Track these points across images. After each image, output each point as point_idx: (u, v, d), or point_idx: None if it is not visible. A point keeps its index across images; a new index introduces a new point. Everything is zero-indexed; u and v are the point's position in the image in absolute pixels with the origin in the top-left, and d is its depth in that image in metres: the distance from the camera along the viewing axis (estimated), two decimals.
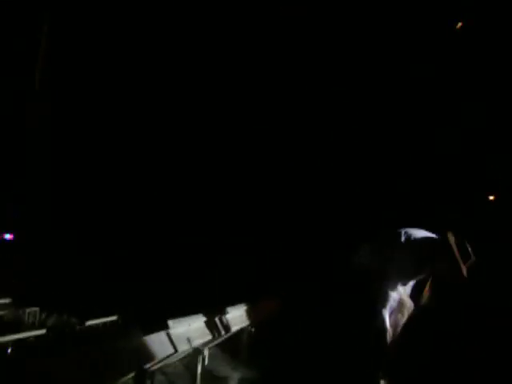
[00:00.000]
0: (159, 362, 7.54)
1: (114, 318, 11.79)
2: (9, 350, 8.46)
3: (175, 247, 21.93)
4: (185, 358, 8.60)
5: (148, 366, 7.16)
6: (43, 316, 12.16)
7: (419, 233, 7.44)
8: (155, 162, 25.25)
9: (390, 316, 7.51)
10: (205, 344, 8.77)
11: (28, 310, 12.17)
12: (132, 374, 6.91)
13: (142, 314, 10.66)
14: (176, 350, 7.67)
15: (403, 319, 7.62)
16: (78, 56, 24.16)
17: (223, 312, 10.17)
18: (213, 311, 9.73)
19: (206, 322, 9.06)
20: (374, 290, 7.92)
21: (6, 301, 12.75)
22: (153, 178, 24.83)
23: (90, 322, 10.78)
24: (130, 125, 24.86)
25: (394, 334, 7.62)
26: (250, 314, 11.67)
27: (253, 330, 11.76)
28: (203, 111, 25.56)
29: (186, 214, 24.39)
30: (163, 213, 24.27)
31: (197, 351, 8.41)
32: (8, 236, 23.27)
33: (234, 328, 10.48)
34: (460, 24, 23.30)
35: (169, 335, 7.67)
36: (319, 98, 25.10)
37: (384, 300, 7.46)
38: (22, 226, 21.69)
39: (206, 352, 8.84)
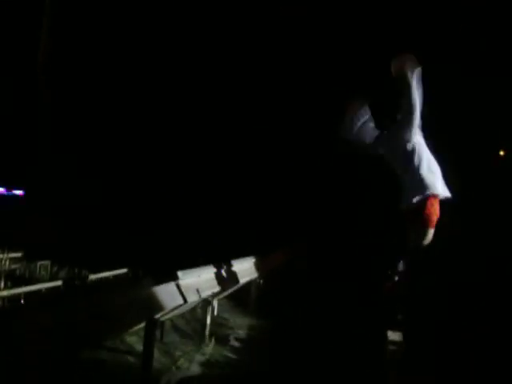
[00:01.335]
0: (169, 312, 7.65)
1: (124, 270, 11.93)
2: (22, 302, 8.61)
3: (186, 197, 22.11)
4: (194, 308, 8.73)
5: (158, 315, 7.27)
6: (54, 269, 12.32)
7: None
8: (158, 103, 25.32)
9: None
10: (214, 295, 8.87)
11: (40, 263, 12.33)
12: (143, 324, 7.03)
13: (151, 266, 10.79)
14: (185, 301, 7.75)
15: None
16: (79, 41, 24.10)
17: (232, 264, 10.25)
18: (222, 263, 9.80)
19: (215, 274, 9.13)
20: None
21: (18, 254, 12.91)
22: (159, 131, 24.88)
23: (100, 275, 10.92)
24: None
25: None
26: (258, 266, 11.77)
27: (261, 281, 11.91)
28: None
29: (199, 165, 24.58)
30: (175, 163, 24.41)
31: (206, 302, 8.53)
32: (19, 192, 23.45)
33: (243, 280, 10.58)
34: None
35: (178, 286, 7.73)
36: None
37: None
38: (35, 182, 21.82)
39: (215, 303, 8.97)
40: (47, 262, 12.42)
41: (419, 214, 7.12)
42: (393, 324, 8.73)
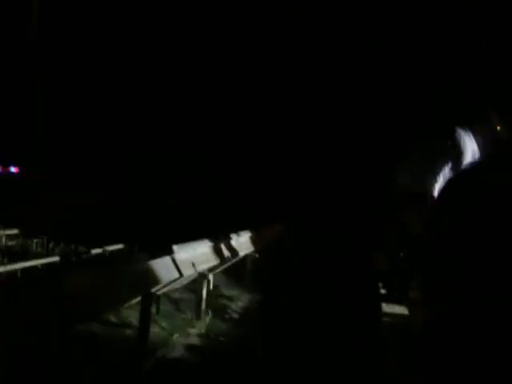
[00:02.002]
0: (165, 286, 7.67)
1: (120, 245, 11.93)
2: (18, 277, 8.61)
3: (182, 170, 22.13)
4: (190, 282, 8.75)
5: (154, 289, 7.29)
6: (51, 245, 12.33)
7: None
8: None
9: None
10: (210, 269, 8.89)
11: (36, 240, 12.34)
12: (139, 298, 7.05)
13: (147, 240, 10.80)
14: (181, 275, 7.77)
15: None
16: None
17: (228, 238, 10.28)
18: (218, 237, 9.82)
19: (210, 248, 9.16)
20: None
21: (15, 231, 12.91)
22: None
23: (96, 250, 10.92)
24: None
25: None
26: (254, 240, 11.80)
27: (257, 255, 11.94)
28: None
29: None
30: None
31: (202, 276, 8.55)
32: (13, 169, 23.40)
33: (239, 254, 10.62)
34: None
35: (174, 260, 7.75)
36: None
37: None
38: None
39: (211, 277, 8.99)
40: (43, 239, 12.42)
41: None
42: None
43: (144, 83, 25.31)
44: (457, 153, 7.07)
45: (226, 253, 9.99)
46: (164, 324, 7.84)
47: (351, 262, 12.73)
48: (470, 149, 7.11)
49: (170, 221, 14.91)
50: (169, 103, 25.55)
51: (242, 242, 11.23)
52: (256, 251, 11.87)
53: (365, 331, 8.14)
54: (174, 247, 7.91)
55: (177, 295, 9.07)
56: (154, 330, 7.28)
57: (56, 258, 9.98)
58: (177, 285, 8.36)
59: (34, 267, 9.21)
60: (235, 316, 8.89)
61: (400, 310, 8.22)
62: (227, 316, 8.81)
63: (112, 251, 11.41)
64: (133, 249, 11.45)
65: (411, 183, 7.17)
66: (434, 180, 7.08)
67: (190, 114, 25.63)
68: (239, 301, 9.93)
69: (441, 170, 7.18)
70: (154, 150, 24.14)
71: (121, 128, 24.38)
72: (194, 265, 8.30)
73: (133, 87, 25.10)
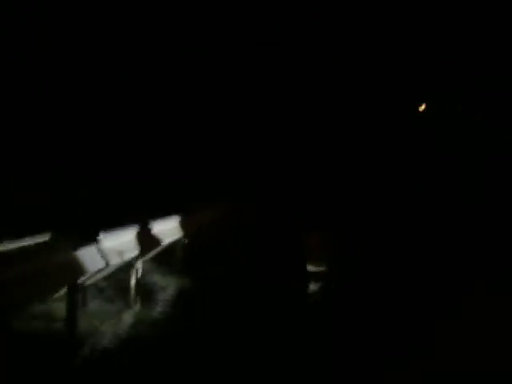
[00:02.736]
0: (91, 276, 7.50)
1: (45, 236, 11.56)
2: None
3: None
4: (118, 271, 8.58)
5: (80, 280, 7.11)
6: None
7: None
8: None
9: None
10: (137, 257, 8.73)
11: None
12: (64, 289, 6.87)
13: (72, 228, 10.49)
14: (108, 264, 7.61)
15: None
16: None
17: (156, 224, 10.10)
18: (145, 223, 9.63)
19: (138, 235, 8.96)
20: None
21: None
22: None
23: (19, 243, 10.54)
24: None
25: None
26: (184, 225, 11.65)
27: (186, 241, 11.81)
28: None
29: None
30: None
31: (129, 264, 8.40)
32: None
33: (168, 240, 10.47)
34: None
35: (99, 249, 7.56)
36: None
37: None
38: None
39: (140, 265, 8.85)
40: None
41: None
42: None
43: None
44: None
45: (155, 239, 9.83)
46: (92, 315, 7.66)
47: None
48: None
49: (97, 206, 14.53)
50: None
51: (172, 227, 11.08)
52: (185, 237, 11.73)
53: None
54: (100, 235, 7.73)
55: (105, 285, 8.88)
56: (83, 321, 7.11)
57: None
58: (105, 274, 8.19)
59: None
60: (164, 304, 8.74)
61: None
62: (156, 304, 8.67)
63: (37, 242, 11.05)
64: (57, 238, 11.11)
65: None
66: None
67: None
68: (168, 288, 9.80)
69: None
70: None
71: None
72: (121, 253, 8.13)
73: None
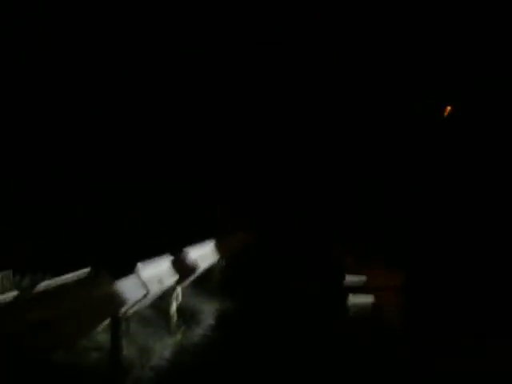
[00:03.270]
0: (133, 305, 7.66)
1: (86, 269, 11.77)
2: None
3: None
4: (158, 298, 8.73)
5: (123, 310, 7.27)
6: (17, 278, 12.10)
7: None
8: None
9: None
10: (177, 282, 8.88)
11: (1, 274, 12.09)
12: (107, 320, 7.03)
13: (112, 261, 10.69)
14: (148, 292, 7.76)
15: None
16: None
17: (192, 249, 10.27)
18: (182, 249, 9.80)
19: (175, 261, 9.12)
20: None
21: None
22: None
23: (63, 277, 10.75)
24: None
25: None
26: (220, 248, 11.81)
27: (224, 263, 11.95)
28: None
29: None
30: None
31: (169, 291, 8.55)
32: None
33: (205, 264, 10.62)
34: None
35: (139, 278, 7.73)
36: None
37: None
38: None
39: (179, 290, 9.00)
40: (9, 272, 12.18)
41: None
42: None
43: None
44: None
45: (192, 264, 10.00)
46: (137, 344, 7.80)
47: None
48: None
49: (131, 238, 14.73)
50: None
51: (208, 251, 11.25)
52: (222, 259, 11.88)
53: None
54: (139, 265, 7.90)
55: (147, 312, 9.02)
56: (127, 351, 7.26)
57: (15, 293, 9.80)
58: (146, 302, 8.35)
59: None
60: (206, 329, 8.82)
61: None
62: (198, 329, 8.76)
63: (79, 276, 11.25)
64: (98, 272, 11.31)
65: None
66: None
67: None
68: (209, 313, 9.90)
69: None
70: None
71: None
72: (160, 280, 8.29)
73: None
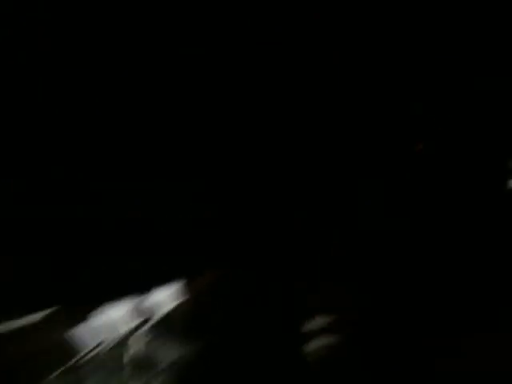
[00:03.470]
0: (85, 355, 7.23)
1: (38, 314, 11.28)
2: None
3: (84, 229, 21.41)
4: (113, 347, 8.28)
5: (74, 360, 6.86)
6: None
7: None
8: None
9: None
10: (133, 329, 8.45)
11: None
12: (58, 372, 6.62)
13: (63, 307, 10.23)
14: (101, 341, 7.34)
15: None
16: None
17: (151, 293, 9.84)
18: (140, 293, 9.37)
19: (132, 307, 8.71)
20: None
21: None
22: None
23: (10, 323, 10.27)
24: None
25: None
26: (182, 291, 11.38)
27: (186, 307, 11.49)
28: None
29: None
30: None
31: (124, 338, 8.12)
32: None
33: (165, 308, 10.18)
34: None
35: (94, 324, 7.33)
36: None
37: None
38: None
39: (136, 337, 8.55)
40: None
41: None
42: None
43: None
44: None
45: (151, 309, 9.54)
46: None
47: None
48: None
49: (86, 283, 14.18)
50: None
51: (169, 294, 10.79)
52: (185, 303, 11.42)
53: None
54: (94, 311, 7.50)
55: (98, 362, 8.53)
56: None
57: None
58: (98, 351, 7.89)
59: None
60: (164, 378, 8.42)
61: None
62: (155, 379, 8.34)
63: (29, 321, 10.76)
64: (46, 319, 10.82)
65: None
66: None
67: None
68: (167, 360, 9.43)
69: None
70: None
71: None
72: (115, 328, 7.87)
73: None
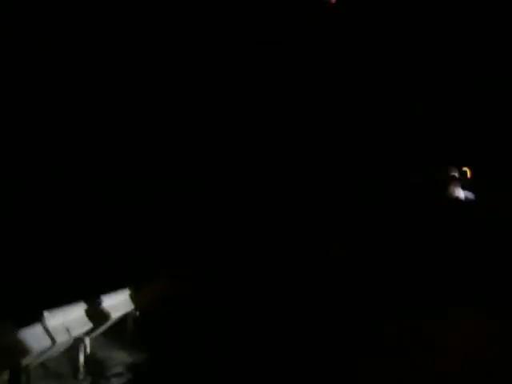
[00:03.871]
0: (37, 356, 7.18)
1: None
2: None
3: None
4: (66, 349, 8.26)
5: (25, 361, 6.80)
6: None
7: None
8: None
9: None
10: (86, 333, 8.43)
11: None
12: (7, 372, 6.57)
13: (15, 308, 10.12)
14: (54, 342, 7.31)
15: None
16: None
17: (105, 298, 9.81)
18: (93, 298, 9.34)
19: (86, 311, 8.68)
20: None
21: None
22: None
23: None
24: None
25: None
26: (134, 297, 11.35)
27: (137, 313, 11.46)
28: None
29: None
30: None
31: (77, 341, 8.11)
32: None
33: (117, 314, 10.15)
34: None
35: (45, 327, 7.28)
36: None
37: None
38: None
39: (88, 341, 8.53)
40: None
41: None
42: None
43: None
44: None
45: (104, 314, 9.53)
46: None
47: None
48: None
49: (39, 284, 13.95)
50: None
51: (121, 300, 10.76)
52: (136, 309, 11.38)
53: None
54: (45, 313, 7.46)
55: (52, 364, 8.48)
56: None
57: None
58: (51, 353, 7.85)
59: None
60: (116, 381, 8.41)
61: None
62: (108, 382, 8.33)
63: None
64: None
65: None
66: None
67: None
68: (119, 364, 9.42)
69: None
70: None
71: None
72: (68, 330, 7.84)
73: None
